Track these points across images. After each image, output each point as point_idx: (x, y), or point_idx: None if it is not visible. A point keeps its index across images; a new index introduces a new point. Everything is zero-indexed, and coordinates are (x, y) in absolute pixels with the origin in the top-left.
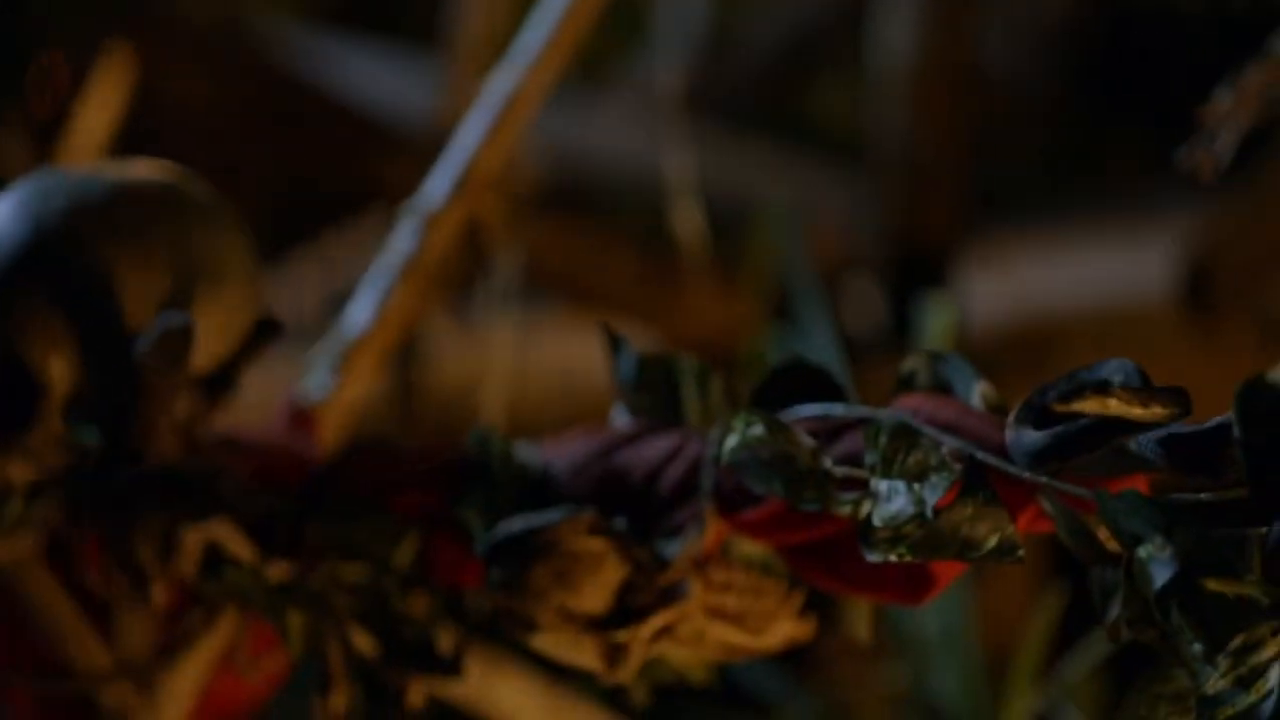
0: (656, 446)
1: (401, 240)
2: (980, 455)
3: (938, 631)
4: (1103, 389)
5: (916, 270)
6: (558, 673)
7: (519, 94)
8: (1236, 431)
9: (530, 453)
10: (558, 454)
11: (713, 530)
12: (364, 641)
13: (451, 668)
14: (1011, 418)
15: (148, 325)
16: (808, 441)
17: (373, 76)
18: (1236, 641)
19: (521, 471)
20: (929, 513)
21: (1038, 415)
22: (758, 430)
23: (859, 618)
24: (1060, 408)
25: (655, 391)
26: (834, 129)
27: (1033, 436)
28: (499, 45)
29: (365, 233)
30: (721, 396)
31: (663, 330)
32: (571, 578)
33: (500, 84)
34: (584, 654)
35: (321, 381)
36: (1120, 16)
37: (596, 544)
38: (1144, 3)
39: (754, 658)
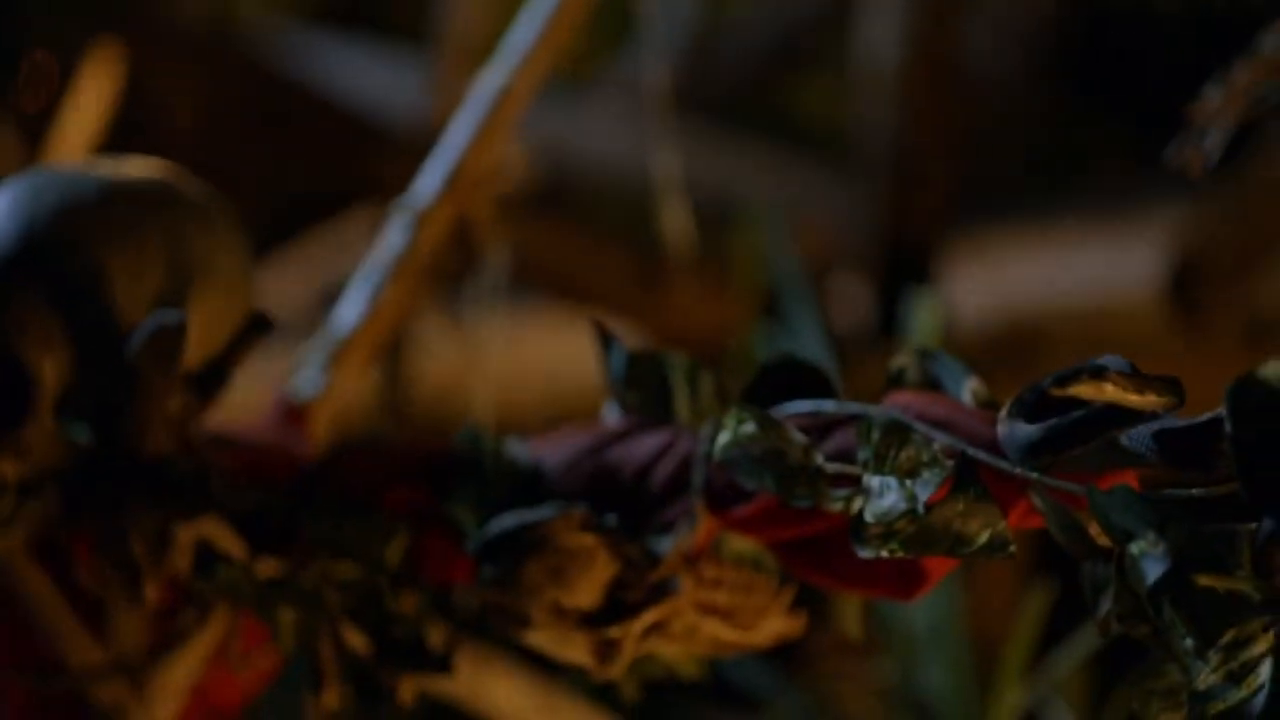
0: (647, 443)
1: (392, 238)
2: (971, 451)
3: (926, 627)
4: (1099, 374)
5: (903, 268)
6: (548, 668)
7: (508, 92)
8: (1228, 427)
9: (521, 450)
10: (548, 451)
11: (704, 526)
12: (355, 638)
13: (442, 664)
14: (1004, 412)
15: (140, 323)
16: (799, 438)
17: (363, 75)
18: (1228, 636)
19: (512, 468)
20: (921, 509)
21: (1030, 410)
22: (749, 427)
23: (849, 613)
24: (1057, 392)
25: (645, 388)
26: (821, 128)
27: (1026, 430)
28: (488, 44)
29: (355, 230)
30: (711, 393)
31: (650, 328)
32: (563, 574)
33: (489, 82)
34: (575, 650)
35: (312, 378)
36: (1103, 16)
37: (588, 540)
38: (1126, 2)
39: (744, 653)
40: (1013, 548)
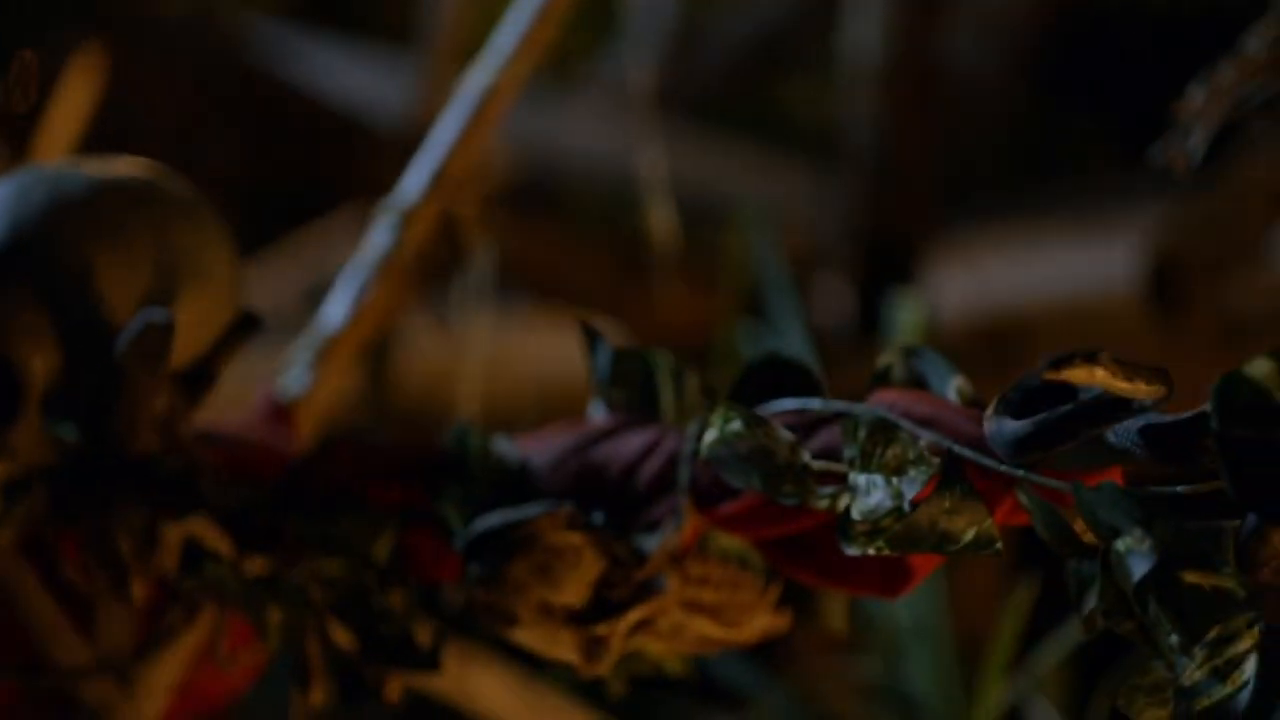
0: (633, 441)
1: (378, 237)
2: (958, 449)
3: (910, 622)
4: (1091, 359)
5: (885, 267)
6: (535, 666)
7: (494, 91)
8: (1214, 425)
9: (508, 448)
10: (535, 449)
11: (690, 524)
12: (342, 635)
13: (429, 662)
14: (990, 409)
15: (128, 321)
16: (786, 436)
17: (348, 74)
18: (1213, 633)
19: (499, 466)
20: (907, 506)
21: (1017, 406)
22: (736, 425)
23: (834, 610)
24: (1052, 375)
25: (631, 387)
26: (803, 127)
27: (1014, 425)
28: (473, 43)
29: (341, 229)
30: (696, 392)
31: (634, 326)
32: (550, 572)
33: (475, 81)
34: (562, 647)
35: (299, 377)
36: (1085, 16)
37: (575, 538)
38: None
39: (728, 649)
40: (999, 545)
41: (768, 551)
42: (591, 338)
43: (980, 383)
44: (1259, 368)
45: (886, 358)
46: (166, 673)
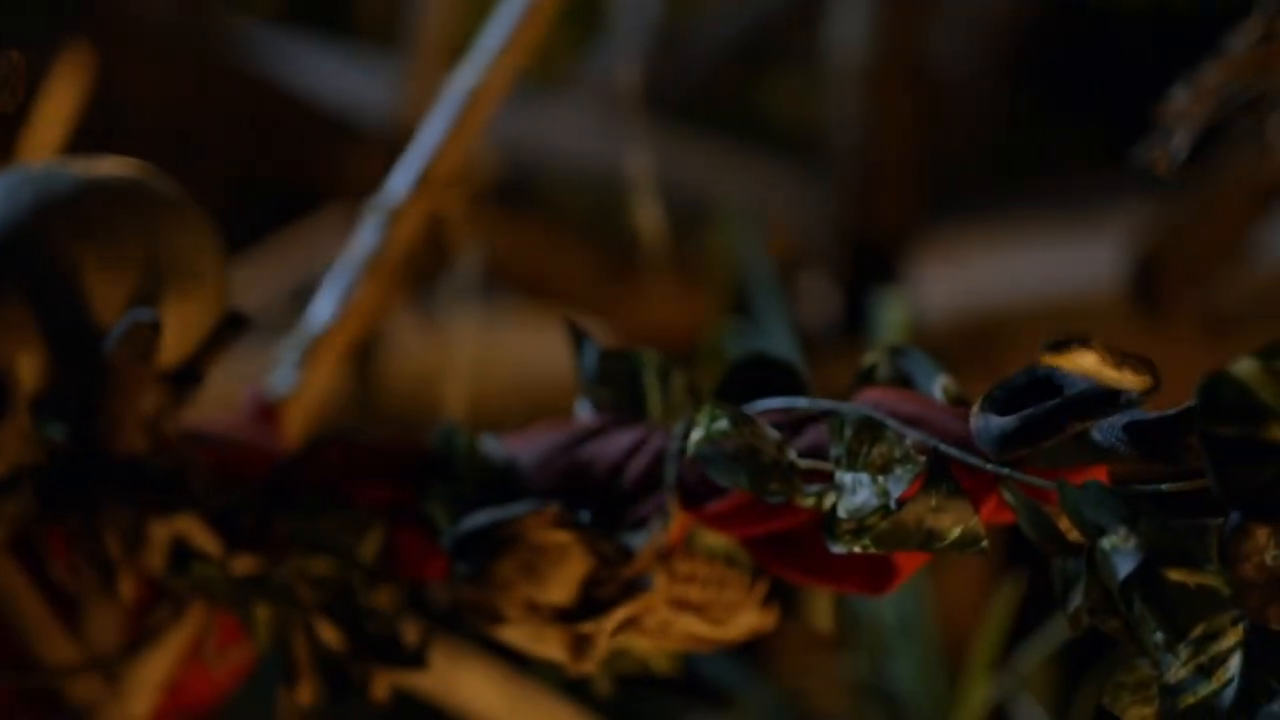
0: (620, 440)
1: (365, 236)
2: (944, 447)
3: (896, 620)
4: (1086, 344)
5: (870, 266)
6: (522, 664)
7: (480, 91)
8: (1199, 423)
9: (494, 446)
10: (522, 448)
11: (677, 522)
12: (329, 634)
13: (416, 660)
14: (977, 406)
15: (115, 321)
16: (773, 434)
17: (335, 74)
18: (1198, 630)
19: (486, 465)
20: (893, 505)
21: (1003, 403)
22: (723, 423)
23: (820, 608)
24: (1051, 359)
25: (618, 386)
26: (788, 126)
27: (1000, 421)
28: (460, 43)
29: (328, 229)
30: (683, 390)
31: (621, 325)
32: (537, 570)
33: (461, 81)
34: (549, 645)
35: (286, 376)
36: (1068, 14)
37: (561, 537)
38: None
39: (715, 647)
40: (985, 543)
41: (754, 549)
42: (578, 337)
43: (965, 381)
44: (1245, 367)
45: (872, 356)
46: (155, 671)
